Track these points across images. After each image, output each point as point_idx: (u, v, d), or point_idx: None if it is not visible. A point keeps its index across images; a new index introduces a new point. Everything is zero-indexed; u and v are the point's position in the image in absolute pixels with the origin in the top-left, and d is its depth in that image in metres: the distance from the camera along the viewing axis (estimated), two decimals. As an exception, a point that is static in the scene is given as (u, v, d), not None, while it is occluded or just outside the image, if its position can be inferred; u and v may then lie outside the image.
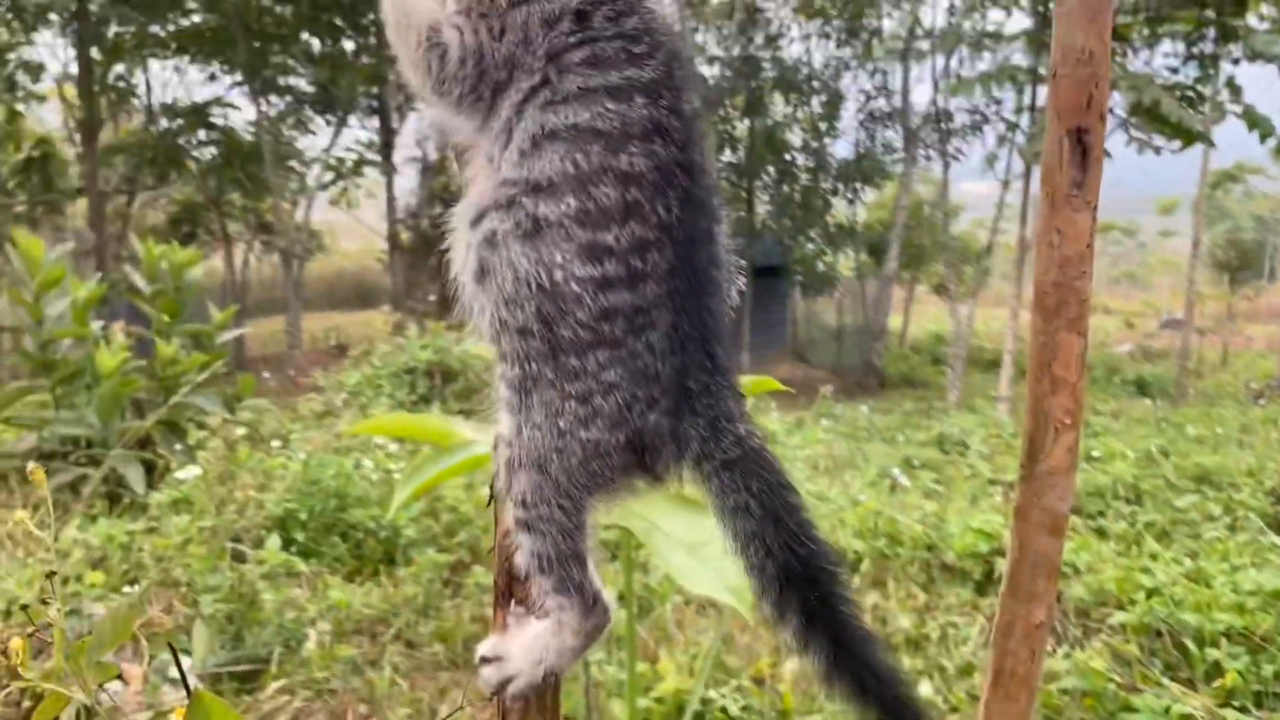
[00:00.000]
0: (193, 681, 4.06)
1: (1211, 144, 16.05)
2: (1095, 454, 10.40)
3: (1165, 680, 4.35)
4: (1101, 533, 7.34)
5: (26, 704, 3.59)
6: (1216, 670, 4.33)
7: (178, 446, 7.70)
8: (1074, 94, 1.34)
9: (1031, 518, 1.37)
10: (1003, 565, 5.78)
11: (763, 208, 30.30)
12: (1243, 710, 3.99)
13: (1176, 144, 15.47)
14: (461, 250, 1.46)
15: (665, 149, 1.39)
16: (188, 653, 4.33)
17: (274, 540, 5.90)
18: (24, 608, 1.42)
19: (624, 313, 1.38)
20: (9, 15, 22.65)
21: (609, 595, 1.57)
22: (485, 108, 1.48)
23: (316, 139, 27.60)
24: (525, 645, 1.53)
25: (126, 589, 5.13)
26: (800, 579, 1.40)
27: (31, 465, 1.60)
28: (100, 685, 1.67)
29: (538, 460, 1.44)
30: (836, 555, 1.47)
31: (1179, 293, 32.77)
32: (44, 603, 1.42)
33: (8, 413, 7.76)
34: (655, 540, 2.37)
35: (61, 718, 3.72)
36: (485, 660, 1.56)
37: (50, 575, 1.47)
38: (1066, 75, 1.35)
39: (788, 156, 29.79)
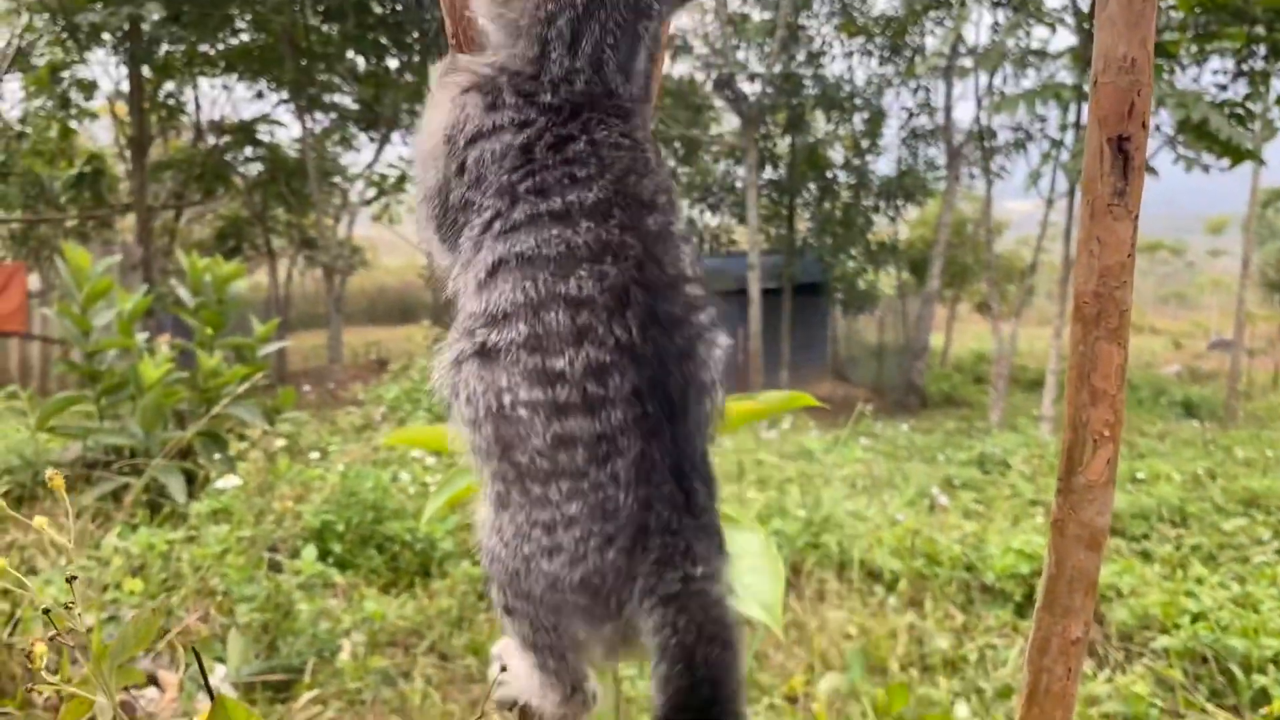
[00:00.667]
0: (227, 689, 4.08)
1: (1262, 162, 15.89)
2: (1140, 475, 10.31)
3: (1210, 706, 4.28)
4: (1146, 555, 7.26)
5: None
6: (1263, 697, 4.26)
7: (218, 457, 7.76)
8: (1116, 102, 1.31)
9: (1069, 532, 1.34)
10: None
11: (803, 225, 30.22)
12: (1290, 738, 3.91)
13: (1225, 162, 15.31)
14: (437, 374, 1.45)
15: (617, 268, 1.33)
16: (223, 661, 4.35)
17: (310, 551, 5.92)
18: (46, 612, 1.42)
19: (583, 441, 1.32)
20: (64, 35, 22.95)
21: (594, 685, 1.52)
22: (453, 243, 1.48)
23: (360, 155, 27.81)
24: (524, 674, 1.51)
25: (165, 596, 5.16)
26: None
27: (50, 472, 1.59)
28: (125, 689, 1.66)
29: (505, 572, 1.40)
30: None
31: (1228, 313, 32.42)
32: (67, 607, 1.41)
33: (54, 422, 7.84)
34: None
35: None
36: (502, 667, 1.54)
37: (71, 580, 1.46)
38: (1108, 83, 1.32)
39: (829, 174, 29.72)
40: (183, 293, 8.92)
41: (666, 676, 1.32)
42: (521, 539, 1.37)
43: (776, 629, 2.12)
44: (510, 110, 1.40)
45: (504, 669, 1.54)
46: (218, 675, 4.21)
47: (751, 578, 2.27)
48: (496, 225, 1.38)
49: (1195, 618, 5.08)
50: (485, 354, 1.35)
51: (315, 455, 8.76)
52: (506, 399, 1.33)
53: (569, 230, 1.33)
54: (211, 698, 1.48)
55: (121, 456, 7.72)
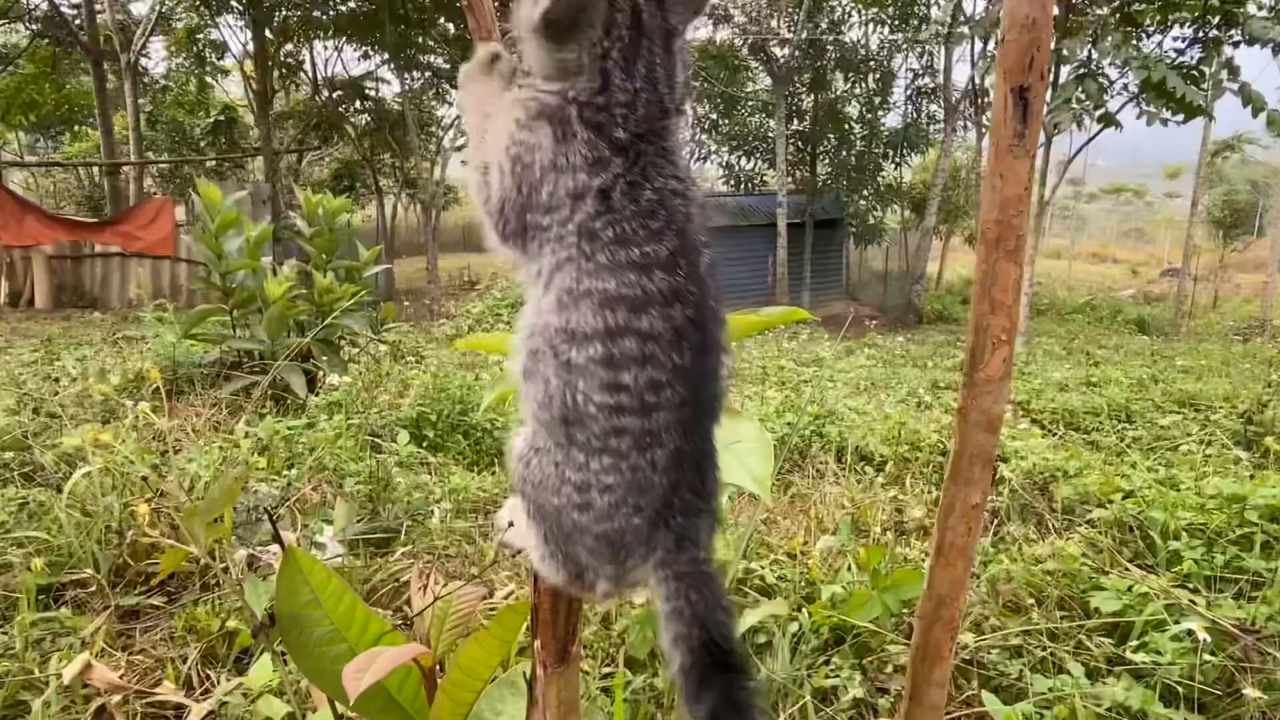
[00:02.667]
0: (336, 546, 4.23)
1: (1211, 117, 15.54)
2: (1094, 380, 10.30)
3: (1130, 566, 4.36)
4: (1094, 445, 7.29)
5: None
6: (1176, 559, 4.32)
7: (326, 359, 7.90)
8: (1018, 56, 1.31)
9: (971, 418, 1.40)
10: (1005, 469, 5.76)
11: (823, 169, 29.98)
12: (1194, 592, 3.98)
13: (1180, 117, 15.02)
14: (517, 351, 1.49)
15: (681, 312, 1.39)
16: (331, 523, 4.50)
17: (404, 436, 6.06)
18: (144, 479, 1.51)
19: (633, 434, 1.39)
20: (198, 1, 23.00)
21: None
22: (521, 247, 1.50)
23: (451, 108, 27.78)
24: (529, 539, 1.59)
25: (286, 472, 5.31)
26: (715, 673, 1.41)
27: (148, 365, 1.68)
28: (217, 541, 1.77)
29: (533, 498, 1.49)
30: (744, 659, 1.45)
31: (1179, 245, 31.92)
32: (160, 475, 1.52)
33: (196, 330, 7.99)
34: (695, 437, 2.47)
35: (228, 580, 3.89)
36: (511, 523, 1.63)
37: (164, 454, 1.56)
38: (1013, 40, 1.32)
39: (846, 126, 29.42)
40: (300, 224, 9.04)
41: (683, 636, 1.42)
42: (551, 491, 1.45)
43: (765, 498, 2.22)
44: (583, 146, 1.41)
45: (510, 524, 1.62)
46: (327, 534, 4.37)
47: (748, 458, 2.37)
48: (579, 262, 1.40)
49: (1126, 495, 5.13)
50: (563, 362, 1.40)
51: (413, 359, 8.91)
52: (579, 398, 1.39)
53: (645, 278, 1.37)
54: (283, 549, 1.59)
55: (252, 359, 7.89)
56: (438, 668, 1.61)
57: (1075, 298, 29.65)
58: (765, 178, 31.22)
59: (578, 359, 1.39)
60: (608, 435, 1.39)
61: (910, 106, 29.34)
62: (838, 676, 3.44)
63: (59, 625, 3.78)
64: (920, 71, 28.98)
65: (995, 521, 5.26)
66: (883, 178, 30.13)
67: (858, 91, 29.38)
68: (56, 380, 7.53)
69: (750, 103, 30.74)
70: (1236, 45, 14.86)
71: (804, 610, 3.81)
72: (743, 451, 2.42)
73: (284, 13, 23.22)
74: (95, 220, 21.68)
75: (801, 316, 2.51)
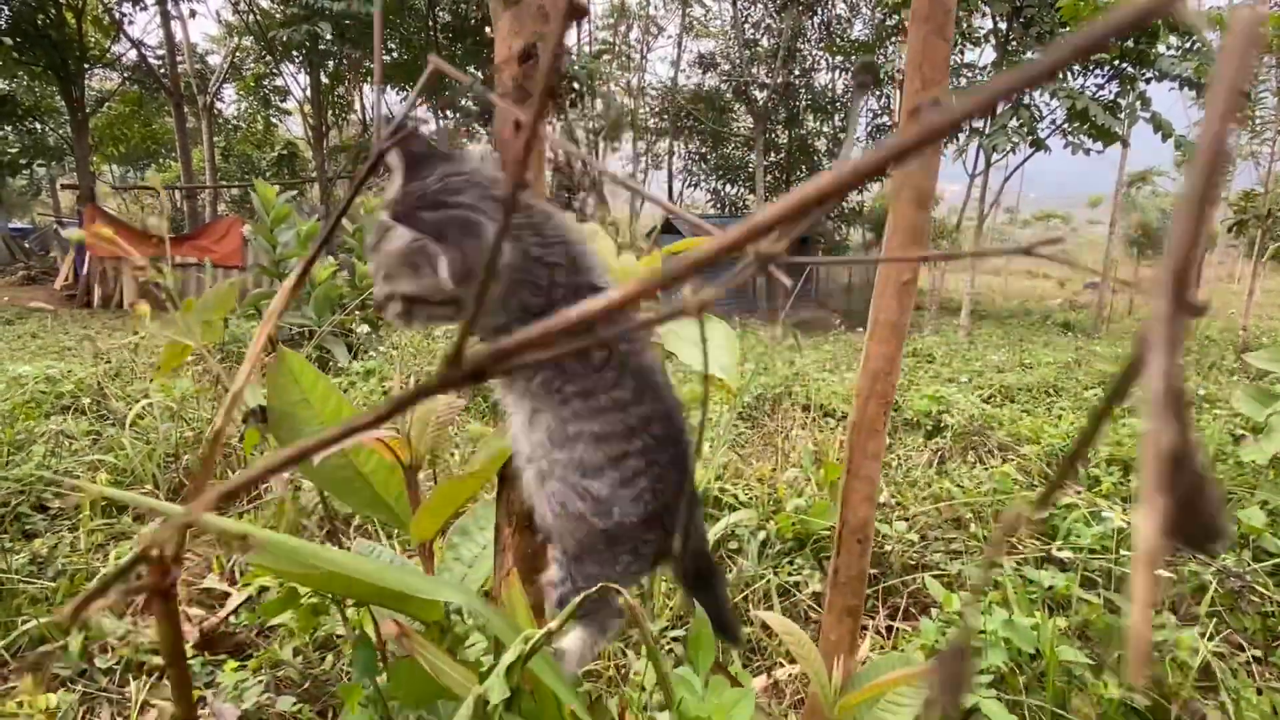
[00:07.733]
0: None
1: (1126, 143, 15.46)
2: (1027, 362, 10.21)
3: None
4: (1027, 413, 7.19)
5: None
6: (1096, 481, 4.23)
7: (367, 332, 7.82)
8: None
9: (902, 195, 1.29)
10: (948, 418, 5.64)
11: (796, 195, 30.08)
12: (1113, 506, 3.89)
13: (1101, 145, 14.96)
14: (528, 480, 1.40)
15: (660, 427, 1.33)
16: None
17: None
18: (141, 268, 1.40)
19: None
20: (264, 52, 23.02)
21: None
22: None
23: (479, 144, 27.76)
24: None
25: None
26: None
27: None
28: (212, 345, 1.64)
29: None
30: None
31: (1098, 263, 31.88)
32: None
33: (252, 310, 7.94)
34: (672, 339, 2.38)
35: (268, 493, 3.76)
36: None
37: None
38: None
39: (815, 158, 29.41)
40: (344, 222, 8.96)
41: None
42: (569, 588, 1.40)
43: (731, 384, 2.13)
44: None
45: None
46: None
47: (717, 352, 2.29)
48: (560, 409, 1.30)
49: (1052, 436, 5.04)
50: (583, 493, 1.33)
51: (440, 333, 8.81)
52: (597, 518, 1.34)
53: (621, 413, 1.30)
54: (274, 347, 1.48)
55: (301, 332, 7.82)
56: (418, 468, 1.51)
57: (1011, 304, 29.64)
58: (747, 202, 31.20)
59: (595, 487, 1.33)
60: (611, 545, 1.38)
61: (870, 142, 29.33)
62: (800, 574, 3.34)
63: (121, 530, 3.70)
64: (879, 111, 28.92)
65: (939, 457, 5.16)
66: (846, 202, 30.11)
67: (825, 129, 29.34)
68: (135, 348, 7.45)
69: (734, 138, 30.73)
70: (1148, 81, 14.81)
71: (772, 521, 3.71)
72: (713, 347, 2.36)
73: (336, 62, 23.22)
74: (175, 236, 21.67)
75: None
